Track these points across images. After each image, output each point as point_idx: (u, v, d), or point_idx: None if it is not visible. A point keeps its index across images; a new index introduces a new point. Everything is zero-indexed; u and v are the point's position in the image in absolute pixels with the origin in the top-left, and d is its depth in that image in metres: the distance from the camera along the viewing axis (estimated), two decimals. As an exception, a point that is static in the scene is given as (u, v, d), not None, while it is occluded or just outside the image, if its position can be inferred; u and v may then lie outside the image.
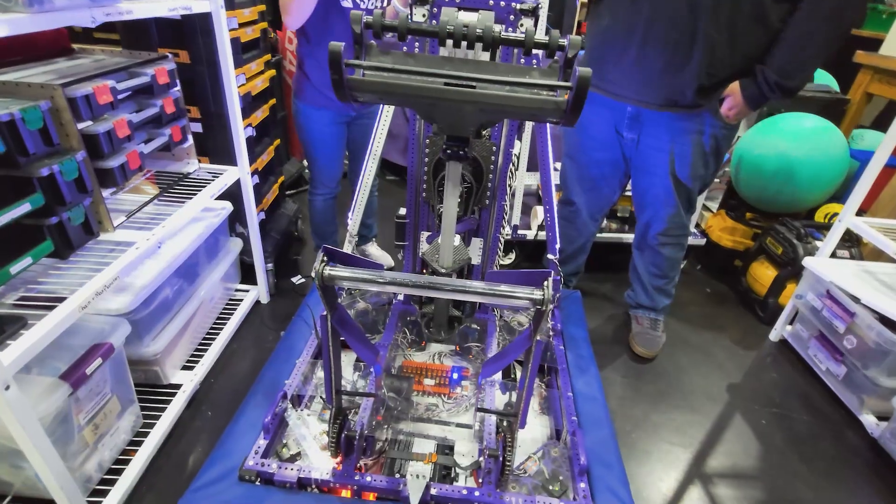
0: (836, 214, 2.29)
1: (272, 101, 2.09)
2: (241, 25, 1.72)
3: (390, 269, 2.37)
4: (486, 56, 1.13)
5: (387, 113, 1.55)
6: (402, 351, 1.63)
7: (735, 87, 1.39)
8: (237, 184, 1.70)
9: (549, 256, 1.61)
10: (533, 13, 1.19)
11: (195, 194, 1.46)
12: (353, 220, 1.60)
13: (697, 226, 2.58)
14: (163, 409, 1.40)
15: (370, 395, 1.13)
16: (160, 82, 1.34)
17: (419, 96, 0.78)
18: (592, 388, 1.46)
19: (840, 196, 2.27)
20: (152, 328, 1.40)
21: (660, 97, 1.46)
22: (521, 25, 1.20)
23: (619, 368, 1.84)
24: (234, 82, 1.52)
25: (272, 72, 2.03)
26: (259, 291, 1.98)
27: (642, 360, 1.88)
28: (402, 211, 1.55)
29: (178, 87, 1.45)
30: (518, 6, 1.17)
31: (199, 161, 1.71)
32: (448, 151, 0.99)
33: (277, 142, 2.19)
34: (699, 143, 1.51)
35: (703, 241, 2.42)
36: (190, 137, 1.55)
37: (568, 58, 0.81)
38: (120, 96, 1.22)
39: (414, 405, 1.44)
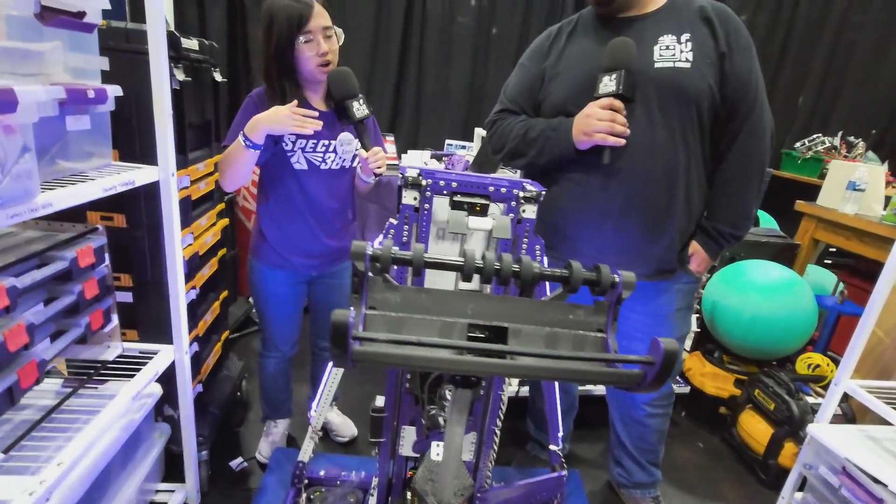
0: (818, 366, 2.27)
1: (222, 252, 1.85)
2: (194, 182, 1.53)
3: (353, 438, 2.01)
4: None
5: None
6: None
7: (696, 245, 1.48)
8: (171, 365, 1.39)
9: (553, 448, 1.38)
10: (536, 200, 1.09)
11: (110, 398, 1.15)
12: (317, 414, 1.32)
13: (676, 369, 2.48)
14: None
15: None
16: (82, 265, 1.08)
17: (440, 369, 0.59)
18: None
19: (815, 341, 2.27)
20: None
21: (648, 269, 1.45)
22: (524, 211, 1.10)
23: (632, 572, 1.55)
24: (179, 252, 1.29)
25: (225, 221, 1.82)
26: (187, 491, 1.57)
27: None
28: (380, 401, 1.29)
29: (107, 263, 1.20)
30: (522, 194, 1.07)
31: (125, 336, 1.40)
32: (457, 377, 0.79)
33: (224, 294, 1.91)
34: (674, 300, 1.53)
35: (687, 389, 2.29)
36: (114, 318, 1.26)
37: (620, 297, 0.67)
38: (22, 292, 0.95)
39: None
